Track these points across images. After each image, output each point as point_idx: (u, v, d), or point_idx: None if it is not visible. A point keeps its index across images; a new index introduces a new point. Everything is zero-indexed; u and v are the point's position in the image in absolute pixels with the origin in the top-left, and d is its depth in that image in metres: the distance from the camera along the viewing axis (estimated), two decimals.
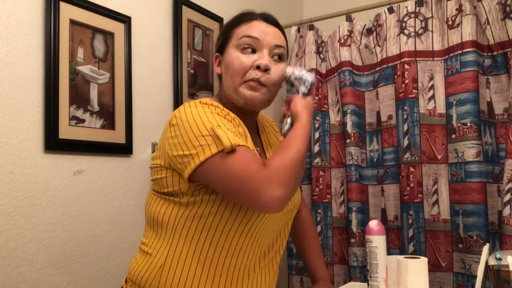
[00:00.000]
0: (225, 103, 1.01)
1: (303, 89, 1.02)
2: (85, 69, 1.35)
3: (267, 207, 0.79)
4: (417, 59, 1.76)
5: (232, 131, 0.85)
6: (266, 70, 0.95)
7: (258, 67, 0.94)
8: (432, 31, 1.76)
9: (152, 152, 1.57)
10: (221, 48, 1.01)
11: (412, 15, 1.79)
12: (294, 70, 1.02)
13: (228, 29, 1.01)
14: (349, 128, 1.87)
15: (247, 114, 1.03)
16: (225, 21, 1.88)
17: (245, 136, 0.93)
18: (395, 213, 1.80)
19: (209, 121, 0.85)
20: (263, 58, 0.95)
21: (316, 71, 2.01)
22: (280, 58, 0.99)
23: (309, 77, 1.02)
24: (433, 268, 1.67)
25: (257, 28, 0.97)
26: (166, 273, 0.90)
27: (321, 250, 1.26)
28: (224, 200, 0.89)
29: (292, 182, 0.82)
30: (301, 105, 0.98)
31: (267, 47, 0.96)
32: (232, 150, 0.81)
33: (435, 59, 1.75)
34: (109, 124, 1.42)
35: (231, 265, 0.92)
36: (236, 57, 0.96)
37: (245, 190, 0.80)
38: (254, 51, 0.96)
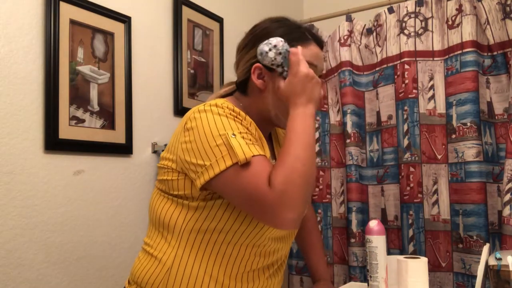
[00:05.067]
0: (249, 111, 0.95)
1: (278, 68, 0.87)
2: (85, 69, 1.35)
3: (282, 227, 0.79)
4: (417, 59, 1.76)
5: (247, 139, 0.82)
6: None
7: None
8: (432, 31, 1.76)
9: (153, 152, 1.57)
10: None
11: (412, 15, 1.79)
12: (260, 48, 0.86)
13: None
14: (349, 128, 1.87)
15: (272, 125, 1.00)
16: (225, 21, 1.89)
17: (261, 143, 0.90)
18: (395, 213, 1.80)
19: (224, 129, 0.82)
20: None
21: None
22: None
23: (274, 46, 0.85)
24: (433, 268, 1.67)
25: (315, 54, 0.93)
26: (173, 276, 0.89)
27: (323, 250, 1.25)
28: (236, 209, 0.87)
29: (302, 199, 0.78)
30: (286, 90, 0.86)
31: (317, 74, 0.92)
32: (246, 163, 0.78)
33: (435, 59, 1.74)
34: (109, 124, 1.42)
35: (239, 272, 0.91)
36: None
37: (257, 211, 0.79)
38: None
